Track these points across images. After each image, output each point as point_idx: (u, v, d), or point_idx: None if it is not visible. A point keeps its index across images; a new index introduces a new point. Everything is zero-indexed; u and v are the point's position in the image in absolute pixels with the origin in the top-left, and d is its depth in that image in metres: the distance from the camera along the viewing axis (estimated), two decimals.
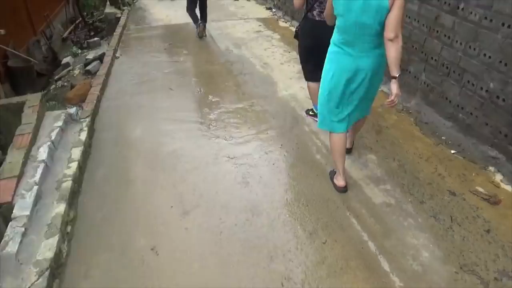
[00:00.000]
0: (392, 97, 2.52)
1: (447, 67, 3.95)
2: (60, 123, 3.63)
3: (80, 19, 10.41)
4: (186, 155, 3.56)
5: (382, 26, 2.42)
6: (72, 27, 10.03)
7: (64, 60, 7.10)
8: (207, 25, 7.24)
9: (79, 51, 7.73)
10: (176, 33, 7.44)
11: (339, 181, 3.03)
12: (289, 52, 6.17)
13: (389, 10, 2.35)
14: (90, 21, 9.99)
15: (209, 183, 3.19)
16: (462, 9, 3.69)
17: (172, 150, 3.65)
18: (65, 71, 6.77)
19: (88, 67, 6.53)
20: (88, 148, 3.63)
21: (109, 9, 9.20)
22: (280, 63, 5.77)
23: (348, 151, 3.33)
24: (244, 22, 8.04)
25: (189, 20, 7.88)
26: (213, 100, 4.68)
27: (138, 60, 6.07)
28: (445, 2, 3.90)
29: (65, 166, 3.18)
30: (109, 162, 3.46)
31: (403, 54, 4.45)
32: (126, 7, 9.21)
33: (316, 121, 3.49)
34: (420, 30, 4.29)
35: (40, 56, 8.02)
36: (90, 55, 7.04)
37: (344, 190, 3.02)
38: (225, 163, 3.44)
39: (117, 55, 6.24)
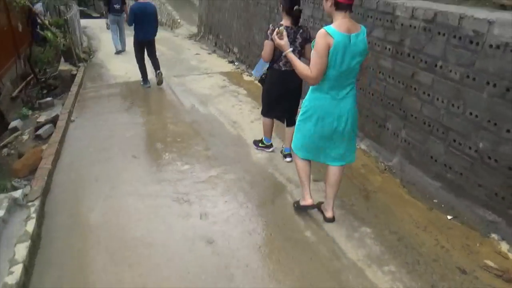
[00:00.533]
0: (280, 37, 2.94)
1: (429, 125, 3.75)
2: (1, 213, 3.00)
3: (32, 76, 9.78)
4: (157, 242, 3.01)
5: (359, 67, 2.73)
6: (22, 84, 9.34)
7: (12, 124, 6.40)
8: (169, 80, 6.88)
9: (30, 112, 7.06)
10: (137, 90, 7.00)
11: (307, 200, 3.16)
12: (258, 109, 5.87)
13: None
14: (43, 78, 9.38)
15: (187, 280, 2.65)
16: (441, 67, 3.55)
17: (139, 236, 3.09)
18: (12, 136, 6.07)
19: (39, 132, 5.89)
20: (36, 241, 3.00)
21: (63, 66, 8.65)
22: (250, 121, 5.44)
23: (331, 220, 3.19)
24: (207, 77, 7.76)
25: (151, 77, 7.52)
26: (182, 167, 4.20)
27: (95, 123, 5.52)
28: (420, 60, 3.76)
29: (5, 272, 2.54)
30: (62, 259, 2.84)
31: (380, 111, 4.26)
32: (82, 63, 8.70)
33: (267, 151, 4.44)
34: (395, 87, 4.12)
35: None
36: (42, 117, 6.41)
37: (313, 207, 3.20)
38: (203, 249, 2.93)
39: (72, 118, 5.66)
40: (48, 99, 7.17)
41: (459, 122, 3.42)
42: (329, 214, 3.13)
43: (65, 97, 7.05)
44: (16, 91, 8.86)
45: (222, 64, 8.76)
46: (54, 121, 6.02)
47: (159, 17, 16.63)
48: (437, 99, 3.62)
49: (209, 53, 9.96)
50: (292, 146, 3.15)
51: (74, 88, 6.85)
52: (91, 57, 9.86)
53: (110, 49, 10.69)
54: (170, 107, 6.09)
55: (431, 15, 3.61)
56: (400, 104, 4.08)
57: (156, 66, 6.90)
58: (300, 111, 2.97)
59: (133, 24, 6.36)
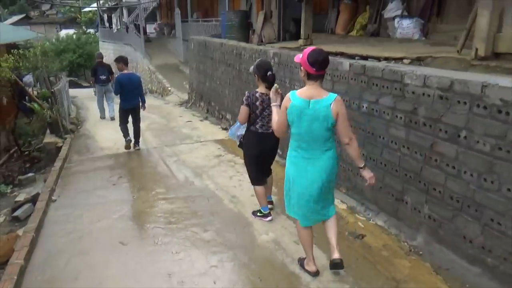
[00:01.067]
0: (369, 181, 3.02)
1: (457, 201, 3.32)
2: None
3: (16, 148, 9.27)
4: None
5: (329, 132, 2.87)
6: (4, 158, 8.80)
7: None
8: (160, 150, 6.45)
9: (8, 190, 6.48)
10: (126, 163, 6.52)
11: (311, 267, 3.20)
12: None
13: (334, 120, 2.80)
14: (27, 151, 8.88)
15: None
16: (465, 137, 3.20)
17: None
18: None
19: (17, 213, 5.30)
20: None
21: (48, 138, 8.20)
22: (251, 195, 4.93)
23: (340, 266, 3.07)
24: (201, 145, 7.36)
25: (141, 147, 7.10)
26: (179, 257, 3.62)
27: (79, 202, 4.96)
28: (440, 129, 3.43)
29: None
30: None
31: (396, 183, 3.83)
32: (68, 135, 8.27)
33: (265, 220, 4.19)
34: (412, 158, 3.74)
35: None
36: (21, 195, 5.83)
37: (317, 274, 3.18)
38: None
39: (53, 197, 5.10)
40: (30, 174, 6.63)
41: (496, 199, 2.99)
42: (336, 255, 3.04)
43: (49, 171, 6.53)
44: None
45: (215, 131, 8.42)
46: (34, 199, 5.45)
47: (149, 85, 16.80)
48: (465, 172, 3.23)
49: (201, 120, 9.67)
50: (287, 212, 3.26)
51: (58, 163, 6.34)
52: (78, 127, 9.48)
53: (98, 119, 10.37)
54: (162, 181, 5.60)
55: (447, 83, 3.34)
56: (419, 176, 3.68)
57: (136, 136, 7.15)
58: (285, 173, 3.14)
59: (119, 94, 6.70)
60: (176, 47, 17.33)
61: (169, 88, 14.34)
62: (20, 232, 4.54)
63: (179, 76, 15.54)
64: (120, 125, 6.98)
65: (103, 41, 22.44)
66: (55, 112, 8.14)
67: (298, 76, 5.45)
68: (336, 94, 2.86)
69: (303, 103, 2.79)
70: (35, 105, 9.04)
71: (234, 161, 6.34)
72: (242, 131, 4.15)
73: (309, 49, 2.85)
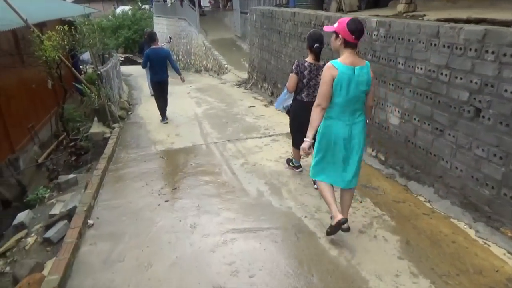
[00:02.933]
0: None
1: None
2: None
3: (64, 134, 8.26)
4: None
5: (365, 96, 2.95)
6: (49, 149, 7.81)
7: (18, 218, 4.65)
8: (222, 149, 4.99)
9: (47, 194, 5.33)
10: (183, 165, 5.12)
11: (337, 216, 3.03)
12: (361, 202, 3.81)
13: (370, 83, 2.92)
14: (76, 139, 7.82)
15: None
16: None
17: None
18: (13, 240, 4.29)
19: (49, 234, 4.09)
20: None
21: (96, 128, 7.03)
22: (359, 230, 3.34)
23: (347, 229, 3.13)
24: (271, 141, 5.80)
25: (198, 142, 5.70)
26: None
27: (121, 231, 3.63)
28: None
29: None
30: None
31: None
32: (117, 124, 7.04)
33: (296, 171, 4.55)
34: None
35: (13, 180, 5.76)
36: (57, 206, 4.63)
37: (345, 220, 3.05)
38: None
39: (90, 221, 3.80)
40: (70, 176, 5.43)
41: None
42: (340, 216, 3.02)
43: (94, 167, 5.34)
44: (42, 157, 7.30)
45: (285, 121, 6.78)
46: (71, 213, 4.23)
47: (204, 62, 15.41)
48: None
49: (265, 105, 8.08)
50: (311, 175, 3.24)
51: (101, 164, 5.08)
52: (129, 113, 8.26)
53: (151, 102, 9.11)
54: (228, 198, 4.12)
55: None
56: None
57: (163, 109, 7.24)
58: (317, 138, 3.08)
59: (147, 67, 6.99)
60: (233, 21, 15.68)
61: (226, 66, 12.81)
62: (46, 270, 3.31)
63: (236, 52, 13.94)
64: (156, 100, 7.20)
65: (157, 16, 21.26)
66: (103, 97, 6.90)
67: (420, 54, 3.68)
68: (368, 62, 2.96)
69: (350, 71, 2.81)
70: (85, 87, 7.92)
71: None
72: (288, 102, 4.18)
73: (346, 18, 2.84)
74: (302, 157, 3.99)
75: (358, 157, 3.04)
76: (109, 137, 6.59)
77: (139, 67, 9.02)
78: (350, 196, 3.22)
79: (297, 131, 4.04)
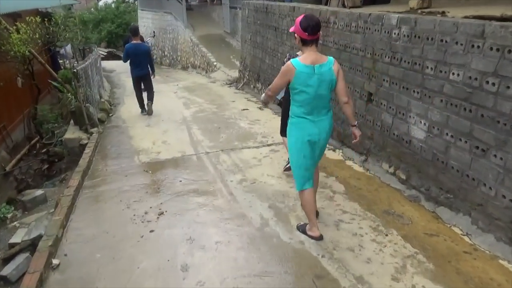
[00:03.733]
0: (357, 138, 3.09)
1: None
2: None
3: (37, 138, 7.37)
4: None
5: (331, 94, 2.88)
6: (23, 151, 6.92)
7: None
8: (216, 161, 4.26)
9: (10, 213, 4.51)
10: (171, 182, 4.36)
11: (315, 232, 3.08)
12: (387, 236, 3.14)
13: (336, 80, 2.82)
14: (50, 143, 6.96)
15: None
16: None
17: None
18: None
19: (5, 271, 3.32)
20: None
21: (71, 133, 6.18)
22: (394, 277, 2.67)
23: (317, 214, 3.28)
24: (270, 152, 5.09)
25: (188, 151, 4.97)
26: None
27: (97, 271, 2.87)
28: None
29: None
30: None
31: None
32: (96, 128, 6.21)
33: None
34: None
35: None
36: (19, 233, 3.84)
37: (321, 238, 3.07)
38: None
39: (54, 261, 3.02)
40: (38, 192, 4.61)
41: None
42: (318, 233, 3.09)
43: (69, 177, 4.54)
44: (11, 164, 6.41)
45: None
46: (34, 243, 3.45)
47: (191, 59, 14.54)
48: None
49: (260, 108, 7.36)
50: (300, 188, 3.10)
51: (74, 180, 4.27)
52: (110, 115, 7.41)
53: (135, 102, 8.27)
54: (226, 225, 3.40)
55: None
56: None
57: (149, 98, 7.18)
58: (288, 144, 3.10)
59: (128, 62, 6.82)
60: (221, 16, 14.85)
61: (215, 63, 12.02)
62: None
63: (225, 49, 13.14)
64: (136, 94, 7.12)
65: (142, 10, 20.18)
66: (79, 98, 6.05)
67: (457, 58, 3.04)
68: (332, 57, 2.88)
69: (308, 69, 2.75)
70: (60, 86, 7.04)
71: (330, 186, 4.04)
72: (281, 94, 4.12)
73: (299, 17, 2.82)
74: None
75: (322, 152, 3.15)
76: (86, 144, 5.77)
77: (123, 62, 8.19)
78: (317, 176, 3.31)
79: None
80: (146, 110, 7.13)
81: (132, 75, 6.98)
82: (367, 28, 4.44)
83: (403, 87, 3.90)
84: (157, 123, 6.62)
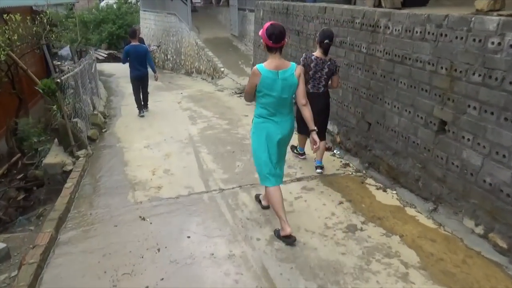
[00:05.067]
0: (317, 144, 3.08)
1: None
2: None
3: (19, 155, 6.18)
4: None
5: (292, 97, 2.99)
6: (3, 169, 5.72)
7: None
8: (235, 204, 3.06)
9: None
10: (175, 239, 3.16)
11: (285, 230, 3.00)
12: None
13: (297, 85, 2.95)
14: (30, 164, 5.77)
15: None
16: None
17: None
18: None
19: None
20: None
21: (52, 156, 4.96)
22: None
23: (294, 239, 3.01)
24: (303, 191, 3.89)
25: (197, 187, 3.77)
26: None
27: None
28: None
29: None
30: None
31: None
32: (84, 151, 5.00)
33: (300, 158, 4.63)
34: None
35: None
36: None
37: (294, 238, 3.01)
38: None
39: None
40: (0, 246, 3.37)
41: None
42: (289, 231, 3.00)
43: (46, 215, 3.35)
44: None
45: (310, 152, 4.91)
46: None
47: (196, 64, 13.31)
48: None
49: None
50: (262, 183, 3.18)
51: (44, 236, 3.06)
52: (104, 130, 6.21)
53: (133, 113, 7.13)
54: None
55: None
56: None
57: (145, 100, 7.22)
58: (251, 143, 3.14)
59: (127, 63, 6.81)
60: (228, 18, 13.67)
61: (222, 69, 10.82)
62: None
63: (233, 54, 11.95)
64: (134, 94, 7.07)
65: (144, 11, 18.97)
66: (64, 114, 4.85)
67: None
68: (294, 63, 2.98)
69: (272, 74, 2.85)
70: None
71: (397, 253, 2.83)
72: None
73: (267, 23, 2.90)
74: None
75: (286, 147, 3.18)
76: (70, 171, 4.58)
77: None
78: (280, 193, 3.12)
79: (302, 119, 3.83)
80: (143, 112, 7.10)
81: (131, 76, 6.94)
82: (441, 35, 3.25)
83: (506, 119, 2.72)
84: (159, 144, 5.42)
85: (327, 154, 4.86)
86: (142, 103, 7.11)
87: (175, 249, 3.00)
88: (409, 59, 3.64)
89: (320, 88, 4.07)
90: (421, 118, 3.54)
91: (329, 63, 4.01)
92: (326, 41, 3.95)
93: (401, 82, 3.78)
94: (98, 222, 3.42)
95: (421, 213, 3.41)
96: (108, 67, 15.17)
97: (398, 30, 3.76)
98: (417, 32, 3.53)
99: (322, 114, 4.15)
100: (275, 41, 2.82)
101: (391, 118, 3.96)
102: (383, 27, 3.99)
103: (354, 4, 5.59)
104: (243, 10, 11.97)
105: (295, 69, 2.92)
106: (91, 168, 4.68)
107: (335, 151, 4.93)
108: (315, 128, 3.07)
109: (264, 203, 3.48)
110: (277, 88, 2.86)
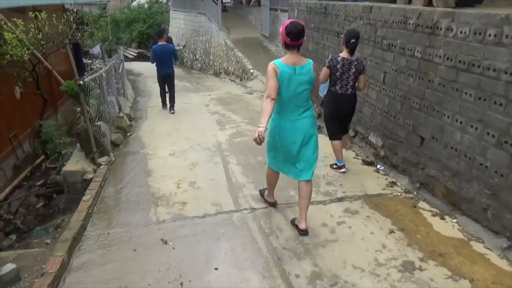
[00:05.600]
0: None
1: None
2: None
3: (43, 157, 5.97)
4: None
5: (310, 93, 2.97)
6: (26, 172, 5.52)
7: None
8: (274, 234, 2.58)
9: None
10: (201, 271, 2.73)
11: (270, 199, 3.50)
12: None
13: (314, 81, 2.96)
14: (53, 168, 5.55)
15: None
16: None
17: None
18: None
19: None
20: None
21: (73, 163, 4.66)
22: None
23: (305, 233, 3.07)
24: (346, 214, 3.39)
25: (226, 205, 3.34)
26: None
27: None
28: None
29: None
30: None
31: None
32: (106, 158, 4.68)
33: (340, 172, 4.22)
34: None
35: None
36: None
37: (275, 204, 3.49)
38: None
39: None
40: (7, 268, 3.03)
41: None
42: (303, 226, 3.06)
43: (64, 226, 3.05)
44: (3, 193, 4.97)
45: (350, 166, 4.41)
46: None
47: (225, 64, 12.94)
48: None
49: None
50: (269, 165, 3.26)
51: (54, 260, 2.70)
52: (129, 134, 5.90)
53: (159, 116, 6.83)
54: None
55: None
56: None
57: (171, 100, 7.24)
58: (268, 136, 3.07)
59: (155, 62, 6.96)
60: (259, 18, 13.22)
61: (251, 71, 10.40)
62: None
63: (263, 55, 11.48)
64: (160, 90, 7.34)
65: (174, 10, 18.80)
66: (85, 118, 4.54)
67: None
68: (311, 60, 2.97)
69: (290, 70, 2.84)
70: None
71: None
72: (323, 91, 4.31)
73: (288, 20, 2.90)
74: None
75: (308, 150, 3.03)
76: (91, 179, 4.25)
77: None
78: (307, 190, 3.07)
79: (333, 121, 4.09)
80: (167, 107, 7.30)
81: (158, 74, 7.14)
82: None
83: None
84: (185, 152, 5.04)
85: (369, 170, 4.34)
86: (168, 103, 7.22)
87: (201, 284, 2.56)
88: (478, 66, 3.06)
89: (348, 89, 4.00)
90: (493, 136, 2.96)
91: (356, 62, 3.93)
92: (353, 40, 3.87)
93: (466, 93, 3.20)
94: (116, 244, 3.04)
95: (491, 250, 2.84)
96: (137, 66, 15.08)
97: (465, 32, 3.19)
98: (490, 35, 2.95)
99: (349, 115, 4.22)
100: (293, 39, 2.81)
101: (452, 134, 3.38)
102: (444, 28, 3.42)
103: (408, 3, 5.01)
104: (275, 10, 11.50)
105: (312, 65, 2.91)
106: (112, 178, 4.34)
107: (378, 166, 4.39)
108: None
109: (267, 198, 3.51)
110: (294, 84, 2.85)
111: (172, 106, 7.19)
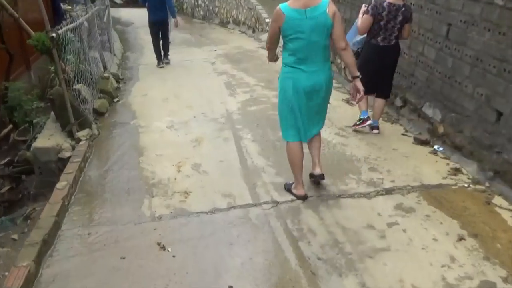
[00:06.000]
0: (361, 93, 3.01)
1: None
2: None
3: (10, 126, 5.68)
4: None
5: (328, 40, 2.89)
6: None
7: None
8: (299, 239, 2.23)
9: None
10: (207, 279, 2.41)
11: (299, 190, 3.19)
12: None
13: (332, 24, 2.81)
14: (22, 141, 5.25)
15: None
16: None
17: None
18: None
19: None
20: None
21: (46, 138, 4.33)
22: None
23: (322, 177, 3.24)
24: (395, 211, 3.03)
25: (240, 197, 3.03)
26: None
27: None
28: None
29: None
30: None
31: None
32: (87, 131, 4.33)
33: (365, 125, 4.27)
34: None
35: None
36: None
37: (306, 197, 3.18)
38: None
39: None
40: None
41: None
42: (318, 171, 3.21)
43: (35, 217, 2.83)
44: None
45: (399, 146, 4.03)
46: None
47: (234, 12, 12.37)
48: None
49: (347, 101, 5.24)
50: (284, 138, 3.21)
51: (17, 273, 2.39)
52: (116, 100, 5.53)
53: (154, 75, 6.44)
54: None
55: None
56: None
57: (165, 49, 7.24)
58: (278, 94, 3.13)
59: (146, 4, 6.95)
60: None
61: (267, 20, 9.82)
62: None
63: (281, 1, 10.81)
64: (152, 42, 7.15)
65: None
66: (60, 80, 4.16)
67: None
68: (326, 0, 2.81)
69: (298, 14, 2.75)
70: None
71: None
72: (358, 37, 4.22)
73: None
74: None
75: (323, 99, 3.08)
76: (68, 159, 3.94)
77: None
78: (319, 139, 3.28)
79: (368, 80, 3.62)
80: (163, 63, 7.17)
81: (149, 20, 7.01)
82: None
83: None
84: (186, 123, 4.68)
85: (423, 151, 3.93)
86: (162, 52, 7.12)
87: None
88: None
89: (391, 40, 3.96)
90: None
91: (403, 9, 3.84)
92: None
93: None
94: (99, 249, 2.72)
95: None
96: (127, 14, 14.52)
97: None
98: None
99: (390, 70, 4.17)
100: None
101: None
102: None
103: None
104: None
105: (327, 6, 2.78)
106: (95, 157, 4.02)
107: (436, 147, 3.97)
108: (359, 74, 3.00)
109: (295, 191, 3.23)
110: (306, 30, 2.77)
111: (165, 55, 7.16)
